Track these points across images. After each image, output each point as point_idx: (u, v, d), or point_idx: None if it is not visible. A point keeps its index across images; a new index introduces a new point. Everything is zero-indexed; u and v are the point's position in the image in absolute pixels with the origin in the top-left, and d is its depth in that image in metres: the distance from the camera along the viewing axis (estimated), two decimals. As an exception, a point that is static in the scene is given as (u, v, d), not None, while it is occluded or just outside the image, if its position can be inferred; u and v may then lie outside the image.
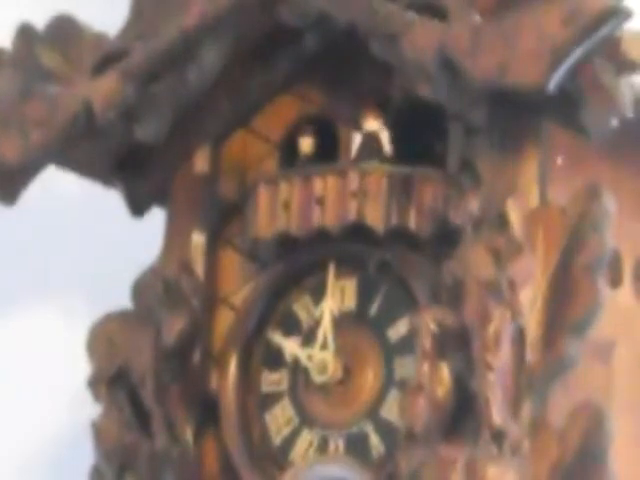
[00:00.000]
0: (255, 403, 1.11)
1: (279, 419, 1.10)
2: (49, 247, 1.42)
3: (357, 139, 1.10)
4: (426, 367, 0.99)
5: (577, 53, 0.95)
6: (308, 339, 1.09)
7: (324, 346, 1.08)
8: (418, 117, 1.08)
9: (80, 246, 1.39)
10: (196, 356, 1.12)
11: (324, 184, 1.08)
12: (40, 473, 1.38)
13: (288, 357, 1.10)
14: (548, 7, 0.97)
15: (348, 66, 1.11)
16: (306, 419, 1.08)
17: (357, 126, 1.11)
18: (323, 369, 1.07)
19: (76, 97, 1.13)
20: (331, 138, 1.13)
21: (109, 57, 1.14)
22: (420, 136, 1.10)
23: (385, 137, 1.09)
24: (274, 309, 1.12)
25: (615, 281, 1.03)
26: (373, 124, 1.09)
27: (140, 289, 1.15)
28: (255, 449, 1.10)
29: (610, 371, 1.01)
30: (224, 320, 1.14)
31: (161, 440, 1.11)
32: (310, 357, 1.08)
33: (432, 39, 1.00)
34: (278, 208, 1.09)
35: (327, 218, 1.07)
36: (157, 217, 1.19)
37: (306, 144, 1.12)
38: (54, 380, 1.33)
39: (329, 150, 1.12)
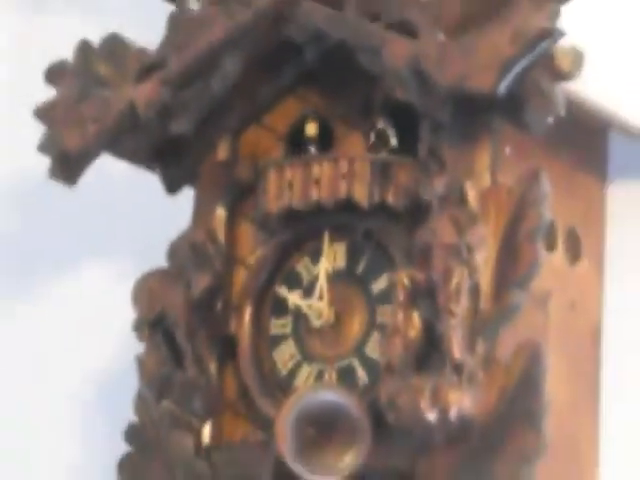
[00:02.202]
0: (265, 343, 1.12)
1: (284, 355, 1.10)
2: (105, 219, 1.39)
3: (372, 135, 1.09)
4: (401, 314, 1.01)
5: (521, 65, 0.97)
6: (307, 292, 1.09)
7: (320, 297, 1.08)
8: (395, 115, 1.08)
9: (128, 219, 1.36)
10: (218, 306, 1.13)
11: (320, 168, 1.08)
12: (99, 399, 1.35)
13: (291, 306, 1.10)
14: (498, 28, 0.98)
15: (340, 74, 1.10)
16: (306, 355, 1.09)
17: (349, 122, 1.12)
18: (319, 315, 1.08)
19: (123, 99, 1.15)
20: (326, 131, 1.13)
21: (149, 67, 1.15)
22: (397, 130, 1.09)
23: (392, 133, 1.09)
24: (280, 268, 1.13)
25: (550, 246, 1.04)
26: (380, 123, 1.09)
27: (174, 252, 1.15)
28: (265, 379, 1.10)
29: (546, 316, 1.03)
30: (240, 277, 1.14)
31: (191, 372, 1.11)
32: (309, 306, 1.09)
33: (406, 53, 1.01)
34: (284, 188, 1.09)
35: (323, 195, 1.07)
36: (187, 195, 1.18)
37: (311, 128, 1.12)
38: (109, 325, 1.30)
39: (324, 141, 1.12)
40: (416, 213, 1.05)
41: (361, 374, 1.06)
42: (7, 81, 1.49)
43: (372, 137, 1.09)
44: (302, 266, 1.12)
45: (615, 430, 1.09)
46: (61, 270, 1.43)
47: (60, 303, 1.42)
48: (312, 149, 1.12)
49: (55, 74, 1.21)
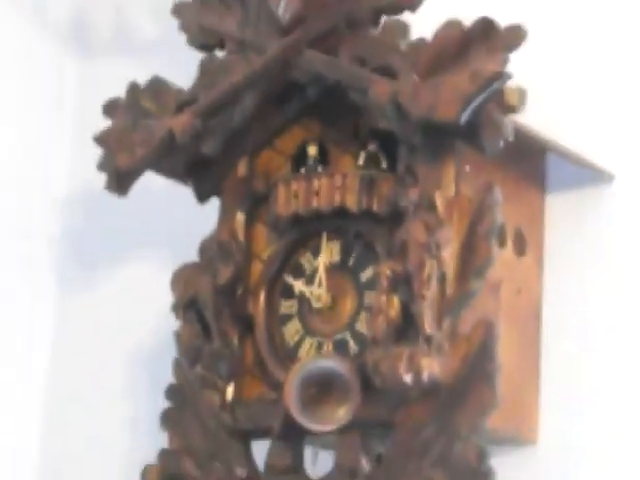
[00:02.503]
0: (276, 321, 1.11)
1: (291, 331, 1.10)
2: (149, 224, 1.36)
3: (363, 155, 1.08)
4: (384, 298, 1.01)
5: (478, 100, 0.97)
6: (309, 280, 1.09)
7: (319, 284, 1.08)
8: (380, 140, 1.08)
9: (167, 223, 1.34)
10: (239, 291, 1.12)
11: (319, 182, 1.07)
12: (146, 365, 1.32)
13: (296, 292, 1.10)
14: (460, 71, 0.98)
15: (335, 107, 1.10)
16: (308, 331, 1.09)
17: (342, 145, 1.11)
18: (318, 299, 1.07)
19: (164, 127, 1.14)
20: (324, 153, 1.12)
21: (184, 102, 1.15)
22: (378, 151, 1.08)
23: (382, 157, 1.08)
24: (288, 261, 1.12)
25: (501, 243, 1.04)
26: (373, 147, 1.07)
27: (204, 248, 1.15)
28: (276, 350, 1.10)
29: (498, 299, 1.03)
30: (256, 268, 1.14)
31: (217, 344, 1.11)
32: (310, 292, 1.08)
33: (387, 91, 1.01)
34: (290, 197, 1.08)
35: (321, 203, 1.06)
36: (214, 204, 1.17)
37: (312, 150, 1.11)
38: (153, 307, 1.27)
39: (322, 160, 1.12)
40: (395, 217, 1.04)
41: (352, 345, 1.06)
42: (73, 114, 1.47)
43: (363, 156, 1.08)
44: (305, 260, 1.12)
45: (551, 384, 1.08)
46: (117, 263, 1.42)
47: (118, 290, 1.41)
48: (313, 166, 1.11)
49: (110, 108, 1.21)
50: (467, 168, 1.02)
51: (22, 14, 1.40)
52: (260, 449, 1.09)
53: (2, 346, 1.38)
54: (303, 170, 1.12)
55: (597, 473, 1.06)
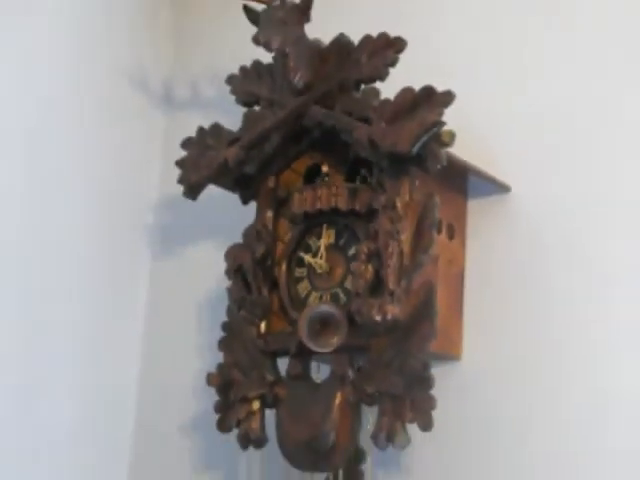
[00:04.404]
0: (293, 281, 1.08)
1: (302, 287, 1.07)
2: (211, 219, 1.31)
3: (358, 178, 1.05)
4: (363, 266, 0.99)
5: (424, 138, 0.95)
6: (315, 255, 1.06)
7: (321, 257, 1.05)
8: (360, 164, 1.05)
9: (223, 218, 1.28)
10: (269, 262, 1.10)
11: (321, 191, 1.05)
12: (212, 311, 1.26)
13: (306, 262, 1.07)
14: (412, 119, 0.96)
15: (332, 143, 1.06)
16: (314, 287, 1.06)
17: (336, 168, 1.07)
18: (320, 267, 1.05)
19: (220, 156, 1.12)
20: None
21: (233, 140, 1.13)
22: (361, 172, 1.06)
23: (368, 176, 1.04)
24: (300, 242, 1.09)
25: (439, 231, 1.02)
26: (363, 171, 1.05)
27: (246, 234, 1.12)
28: (293, 300, 1.07)
29: (436, 268, 1.01)
30: (280, 247, 1.10)
31: (255, 295, 1.08)
32: (315, 262, 1.06)
33: (365, 132, 1.00)
34: (302, 201, 1.06)
35: (322, 205, 1.04)
36: (252, 205, 1.14)
37: (324, 168, 1.08)
38: (215, 272, 1.19)
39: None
40: (370, 214, 1.02)
41: (342, 297, 1.04)
42: (162, 147, 1.41)
43: (359, 177, 1.06)
44: (312, 241, 1.09)
45: (470, 322, 1.06)
46: (191, 243, 1.36)
47: (192, 260, 1.34)
48: (323, 176, 1.10)
49: (186, 143, 1.19)
50: (417, 182, 1.00)
51: (132, 82, 1.35)
52: (282, 363, 1.07)
53: (117, 299, 1.33)
54: (315, 181, 1.09)
55: (500, 377, 1.03)
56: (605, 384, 0.97)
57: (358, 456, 1.03)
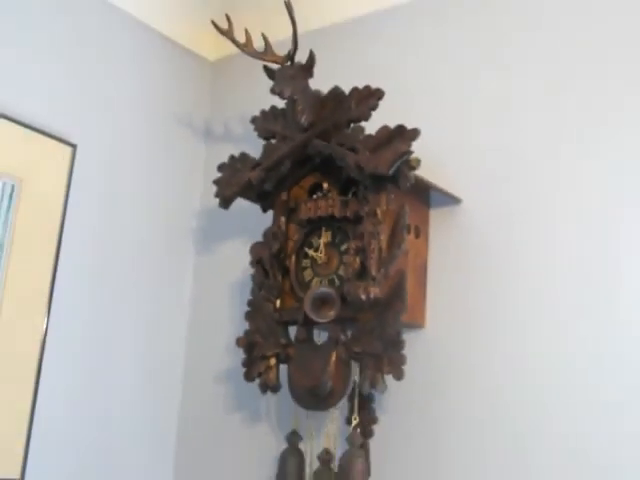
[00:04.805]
0: (300, 270, 1.09)
1: (307, 273, 1.08)
2: (237, 224, 1.31)
3: (350, 193, 1.05)
4: (352, 258, 1.01)
5: (397, 163, 0.98)
6: (316, 250, 1.07)
7: (321, 252, 1.07)
8: (350, 182, 1.05)
9: (247, 223, 1.27)
10: (282, 255, 1.09)
11: (321, 202, 1.05)
12: (239, 290, 1.28)
13: (310, 255, 1.07)
14: (389, 149, 0.98)
15: (329, 167, 1.07)
16: (316, 273, 1.07)
17: (333, 185, 1.07)
18: (320, 259, 1.06)
19: (246, 177, 1.13)
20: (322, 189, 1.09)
21: (256, 164, 1.13)
22: (351, 188, 1.06)
23: (356, 191, 1.03)
24: (305, 241, 1.09)
25: (409, 232, 1.04)
26: (354, 189, 1.04)
27: (266, 234, 1.12)
28: (300, 283, 1.08)
29: (406, 260, 1.01)
30: (290, 244, 1.10)
31: (271, 280, 1.09)
32: (316, 255, 1.07)
33: (354, 159, 1.01)
34: (307, 210, 1.07)
35: (321, 213, 1.05)
36: (270, 213, 1.13)
37: (325, 185, 1.08)
38: (242, 262, 1.21)
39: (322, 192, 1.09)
40: (358, 220, 1.04)
41: (337, 281, 1.06)
42: (204, 170, 1.41)
43: (350, 194, 1.06)
44: (314, 240, 1.10)
45: (432, 297, 1.07)
46: (228, 242, 1.36)
47: (224, 255, 1.35)
48: (325, 192, 1.10)
49: (221, 167, 1.20)
50: (392, 196, 1.03)
51: (181, 125, 1.39)
52: (292, 330, 1.08)
53: (171, 283, 1.36)
54: (316, 195, 1.09)
55: (454, 341, 1.06)
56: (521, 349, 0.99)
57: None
